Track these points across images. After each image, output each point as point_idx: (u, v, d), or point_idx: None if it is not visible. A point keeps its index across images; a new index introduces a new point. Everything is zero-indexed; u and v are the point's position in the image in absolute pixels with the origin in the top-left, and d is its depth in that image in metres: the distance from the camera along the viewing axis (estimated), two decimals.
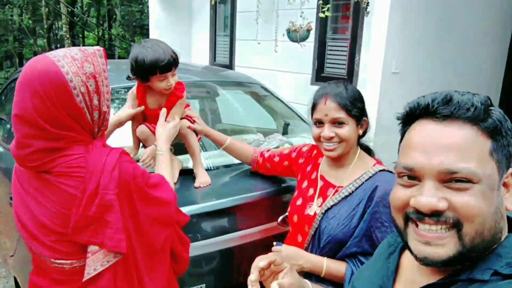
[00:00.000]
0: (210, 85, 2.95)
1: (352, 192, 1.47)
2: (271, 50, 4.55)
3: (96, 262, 1.24)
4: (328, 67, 4.62)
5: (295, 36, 4.23)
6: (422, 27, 3.80)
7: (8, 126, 3.10)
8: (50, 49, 15.83)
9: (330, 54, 4.59)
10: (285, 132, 2.90)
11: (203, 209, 1.72)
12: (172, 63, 1.69)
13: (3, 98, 3.76)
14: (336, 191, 1.51)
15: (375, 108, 3.62)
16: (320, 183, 1.58)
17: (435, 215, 0.72)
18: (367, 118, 1.54)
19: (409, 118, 0.80)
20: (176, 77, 1.78)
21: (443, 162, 0.71)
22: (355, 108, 1.48)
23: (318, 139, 1.51)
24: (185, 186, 1.83)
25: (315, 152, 1.72)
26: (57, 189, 1.22)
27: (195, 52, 6.66)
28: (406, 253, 0.87)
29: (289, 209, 1.66)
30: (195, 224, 1.67)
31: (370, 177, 1.48)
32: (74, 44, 14.79)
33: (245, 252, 1.78)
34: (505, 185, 0.76)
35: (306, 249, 1.52)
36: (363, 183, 1.47)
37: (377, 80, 3.62)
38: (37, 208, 1.24)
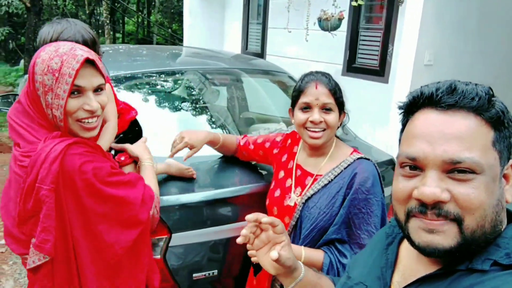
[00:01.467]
0: (237, 73, 2.98)
1: (331, 180, 1.48)
2: (302, 39, 4.51)
3: (34, 255, 1.21)
4: (360, 58, 4.52)
5: (326, 25, 4.17)
6: (460, 16, 3.65)
7: None
8: None
9: (362, 44, 4.50)
10: None
11: (217, 195, 1.75)
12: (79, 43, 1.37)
13: None
14: (315, 179, 1.52)
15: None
16: (298, 173, 1.58)
17: (437, 207, 0.71)
18: (345, 110, 1.56)
19: (411, 107, 0.79)
20: None
21: (447, 152, 0.70)
22: (341, 97, 1.52)
23: (303, 124, 1.49)
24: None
25: (289, 141, 1.72)
26: (13, 177, 1.23)
27: (227, 39, 6.70)
28: (404, 244, 0.87)
29: (267, 201, 1.65)
30: (209, 210, 1.70)
31: (349, 165, 1.49)
32: (114, 30, 15.17)
33: None
34: (505, 176, 0.75)
35: None
36: (341, 171, 1.48)
37: (408, 72, 3.52)
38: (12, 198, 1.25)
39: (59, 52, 1.19)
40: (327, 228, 1.45)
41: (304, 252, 1.43)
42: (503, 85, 4.00)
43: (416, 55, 3.46)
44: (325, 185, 1.49)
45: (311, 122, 1.46)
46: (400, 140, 0.83)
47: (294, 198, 1.53)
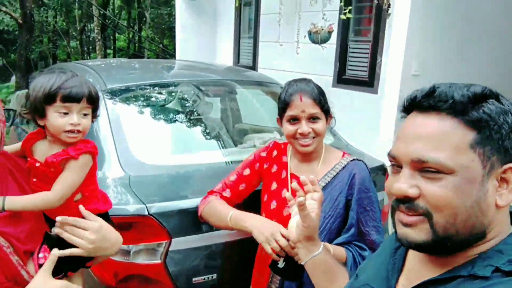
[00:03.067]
0: (230, 84, 3.05)
1: (329, 182, 1.52)
2: (293, 52, 4.61)
3: None
4: (350, 69, 4.63)
5: (317, 38, 4.28)
6: (444, 27, 3.77)
7: None
8: (82, 51, 16.37)
9: (351, 56, 4.61)
10: None
11: None
12: (84, 95, 1.23)
13: None
14: None
15: (394, 110, 3.62)
16: (293, 182, 1.51)
17: (407, 202, 0.74)
18: (331, 113, 1.60)
19: (405, 111, 0.82)
20: (89, 123, 1.27)
21: (415, 151, 0.73)
22: (326, 103, 1.55)
23: (293, 136, 1.51)
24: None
25: (275, 152, 1.70)
26: None
27: (219, 54, 6.79)
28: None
29: (263, 214, 1.63)
30: None
31: (344, 167, 1.54)
32: (105, 46, 15.25)
33: (255, 244, 1.84)
34: (503, 180, 0.74)
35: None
36: (337, 173, 1.53)
37: (397, 82, 3.62)
38: None
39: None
40: (333, 231, 1.49)
41: (332, 246, 1.44)
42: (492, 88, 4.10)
43: (404, 66, 3.57)
44: (324, 187, 1.52)
45: (300, 134, 1.49)
46: None
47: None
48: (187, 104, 3.02)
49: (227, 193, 1.68)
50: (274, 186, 1.62)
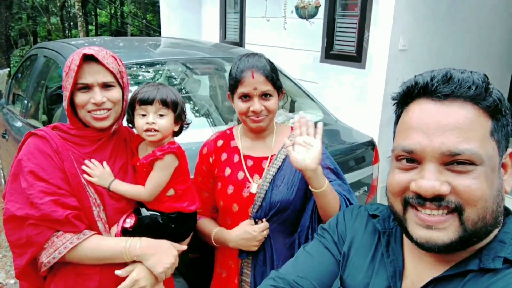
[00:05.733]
0: (217, 61, 3.02)
1: (287, 154, 1.47)
2: (280, 27, 4.57)
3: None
4: (337, 44, 4.62)
5: (304, 13, 4.25)
6: (432, 2, 3.77)
7: (25, 101, 3.23)
8: (63, 27, 15.93)
9: (339, 31, 4.59)
10: (291, 109, 2.97)
11: None
12: (159, 99, 1.38)
13: (19, 75, 3.89)
14: (271, 160, 1.54)
15: (382, 85, 3.65)
16: (249, 163, 1.55)
17: (437, 199, 0.69)
18: (283, 89, 1.56)
19: (406, 98, 0.76)
20: (167, 123, 1.40)
21: (445, 144, 0.68)
22: (278, 80, 1.50)
23: (245, 113, 1.47)
24: None
25: (220, 142, 1.63)
26: None
27: (205, 29, 6.69)
28: (406, 244, 0.83)
29: (221, 203, 1.57)
30: None
31: None
32: (86, 22, 14.84)
33: None
34: (503, 166, 0.74)
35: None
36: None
37: (384, 57, 3.63)
38: None
39: (75, 52, 1.34)
40: (290, 204, 1.49)
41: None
42: (473, 67, 4.14)
43: (391, 41, 3.57)
44: (284, 160, 1.52)
45: (253, 112, 1.45)
46: (394, 132, 0.80)
47: (256, 184, 1.51)
48: (175, 83, 3.00)
49: (204, 209, 1.66)
50: (228, 171, 1.57)
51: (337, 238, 0.94)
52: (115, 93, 1.38)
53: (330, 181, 1.43)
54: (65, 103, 1.35)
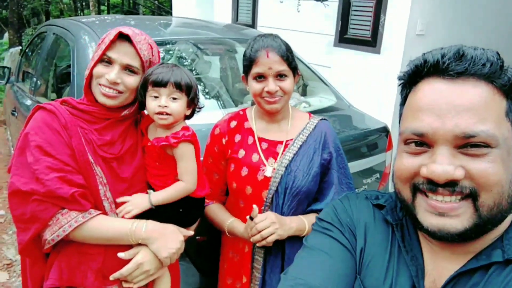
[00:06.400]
0: (229, 42, 2.95)
1: (305, 141, 1.50)
2: (294, 9, 4.47)
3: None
4: (352, 28, 4.49)
5: None
6: None
7: (35, 79, 3.20)
8: (76, 7, 15.88)
9: (354, 15, 4.45)
10: (304, 93, 2.90)
11: None
12: (173, 81, 1.32)
13: (30, 53, 3.86)
14: (287, 145, 1.51)
15: (397, 71, 3.55)
16: (263, 146, 1.52)
17: (450, 184, 0.64)
18: (298, 71, 1.51)
19: (414, 77, 0.72)
20: (180, 107, 1.35)
21: (459, 125, 0.63)
22: (293, 60, 1.46)
23: (260, 94, 1.44)
24: None
25: (233, 123, 1.58)
26: None
27: (217, 11, 6.58)
28: (420, 235, 0.78)
29: (234, 184, 1.52)
30: None
31: (315, 126, 1.53)
32: (99, 2, 14.76)
33: None
34: None
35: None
36: (310, 132, 1.51)
37: (400, 42, 3.53)
38: None
39: (115, 28, 1.32)
40: (310, 190, 1.48)
41: (306, 220, 1.47)
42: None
43: (408, 25, 3.47)
44: (300, 146, 1.50)
45: (267, 92, 1.42)
46: (401, 114, 0.75)
47: (271, 167, 1.48)
48: (185, 63, 2.95)
49: (213, 192, 1.60)
50: (242, 153, 1.53)
51: (345, 230, 0.84)
52: (133, 80, 1.34)
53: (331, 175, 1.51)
54: (87, 71, 1.33)
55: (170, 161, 1.38)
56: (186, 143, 1.36)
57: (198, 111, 1.47)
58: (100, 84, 1.31)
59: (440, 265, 0.73)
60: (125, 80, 1.31)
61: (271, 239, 1.39)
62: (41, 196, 1.22)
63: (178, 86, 1.34)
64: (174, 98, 1.34)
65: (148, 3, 15.55)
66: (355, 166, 2.14)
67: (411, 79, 0.73)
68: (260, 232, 1.38)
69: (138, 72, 1.34)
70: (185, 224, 1.44)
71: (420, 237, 0.78)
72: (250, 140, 1.54)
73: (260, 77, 1.42)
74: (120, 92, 1.32)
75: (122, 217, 1.32)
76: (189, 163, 1.38)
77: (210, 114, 2.25)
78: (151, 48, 1.37)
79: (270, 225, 1.38)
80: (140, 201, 1.33)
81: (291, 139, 1.51)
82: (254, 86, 1.44)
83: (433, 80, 0.68)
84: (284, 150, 1.50)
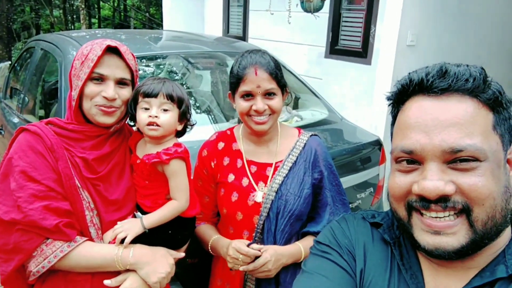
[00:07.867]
0: (220, 56, 2.93)
1: (295, 162, 1.45)
2: (285, 21, 4.47)
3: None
4: (343, 39, 4.51)
5: (309, 6, 4.14)
6: None
7: (22, 95, 3.15)
8: (66, 20, 15.86)
9: (345, 26, 4.47)
10: (295, 106, 2.88)
11: None
12: (164, 92, 1.29)
13: (18, 68, 3.81)
14: (276, 167, 1.45)
15: (388, 82, 3.55)
16: (252, 169, 1.47)
17: (442, 200, 0.65)
18: (287, 88, 1.47)
19: (401, 96, 0.74)
20: (171, 119, 1.30)
21: (446, 140, 0.64)
22: (282, 78, 1.40)
23: (247, 113, 1.37)
24: None
25: (221, 144, 1.53)
26: None
27: (208, 23, 6.58)
28: (419, 253, 0.78)
29: (224, 210, 1.48)
30: None
31: (305, 144, 1.47)
32: (89, 15, 14.77)
33: None
34: (509, 162, 0.70)
35: (256, 241, 1.44)
36: (300, 152, 1.46)
37: (391, 52, 3.53)
38: None
39: (93, 41, 1.27)
40: (303, 213, 1.44)
41: (301, 245, 1.43)
42: (484, 64, 4.02)
43: (399, 36, 3.47)
44: (290, 168, 1.44)
45: (255, 111, 1.36)
46: (392, 133, 0.77)
47: (261, 192, 1.43)
48: (176, 78, 2.92)
49: (205, 213, 1.57)
50: (231, 177, 1.47)
51: (344, 252, 0.84)
52: (127, 92, 1.31)
53: (324, 193, 1.46)
54: (74, 93, 1.27)
55: (161, 179, 1.33)
56: (178, 160, 1.31)
57: (190, 129, 1.42)
58: (97, 105, 1.26)
59: (442, 282, 0.72)
60: (121, 94, 1.29)
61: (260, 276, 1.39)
62: (24, 226, 1.16)
63: (170, 97, 1.30)
64: (165, 110, 1.30)
65: (139, 15, 15.59)
66: (348, 180, 2.11)
67: (399, 99, 0.74)
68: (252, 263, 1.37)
69: (129, 84, 1.32)
70: (175, 246, 1.39)
71: (419, 254, 0.77)
72: (239, 163, 1.48)
73: (248, 95, 1.37)
74: (117, 107, 1.29)
75: (110, 242, 1.27)
76: (182, 180, 1.33)
77: (200, 130, 2.21)
78: (134, 57, 1.35)
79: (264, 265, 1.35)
80: (131, 226, 1.27)
81: (281, 161, 1.46)
82: (242, 104, 1.38)
83: (419, 98, 0.70)
84: (273, 173, 1.45)
